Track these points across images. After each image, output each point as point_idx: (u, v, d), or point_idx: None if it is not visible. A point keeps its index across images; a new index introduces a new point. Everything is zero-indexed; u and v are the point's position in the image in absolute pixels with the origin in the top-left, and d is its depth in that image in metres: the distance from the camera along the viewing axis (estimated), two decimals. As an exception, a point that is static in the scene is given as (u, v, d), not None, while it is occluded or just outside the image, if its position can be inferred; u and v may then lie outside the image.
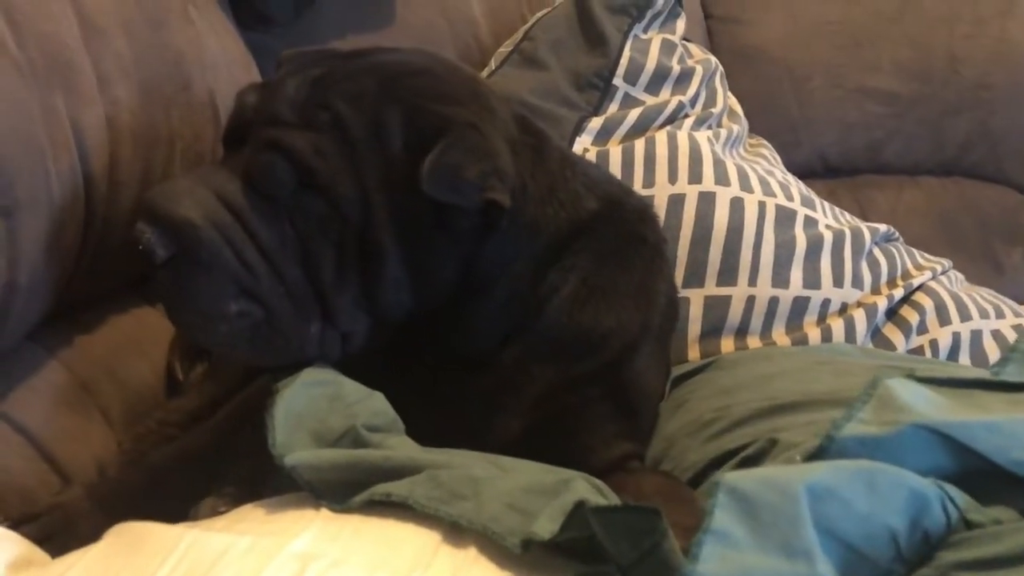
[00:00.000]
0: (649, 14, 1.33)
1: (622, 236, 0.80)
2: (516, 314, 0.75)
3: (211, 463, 0.75)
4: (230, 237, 0.68)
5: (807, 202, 1.18)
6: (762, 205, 1.12)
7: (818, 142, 1.70)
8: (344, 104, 0.70)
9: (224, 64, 1.07)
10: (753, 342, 1.07)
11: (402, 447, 0.63)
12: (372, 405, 0.66)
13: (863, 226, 1.19)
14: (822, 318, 1.09)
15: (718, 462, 0.72)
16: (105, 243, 0.87)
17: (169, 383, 0.94)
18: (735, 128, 1.34)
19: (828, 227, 1.16)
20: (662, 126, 1.24)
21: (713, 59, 1.39)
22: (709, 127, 1.29)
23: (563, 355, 0.76)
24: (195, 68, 1.00)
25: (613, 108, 1.25)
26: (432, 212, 0.70)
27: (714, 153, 1.18)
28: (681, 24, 1.40)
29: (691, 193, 1.12)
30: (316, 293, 0.70)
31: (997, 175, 1.70)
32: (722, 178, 1.14)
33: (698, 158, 1.16)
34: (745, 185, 1.15)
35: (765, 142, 1.46)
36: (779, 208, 1.13)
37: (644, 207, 0.85)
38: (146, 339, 0.97)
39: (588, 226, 0.78)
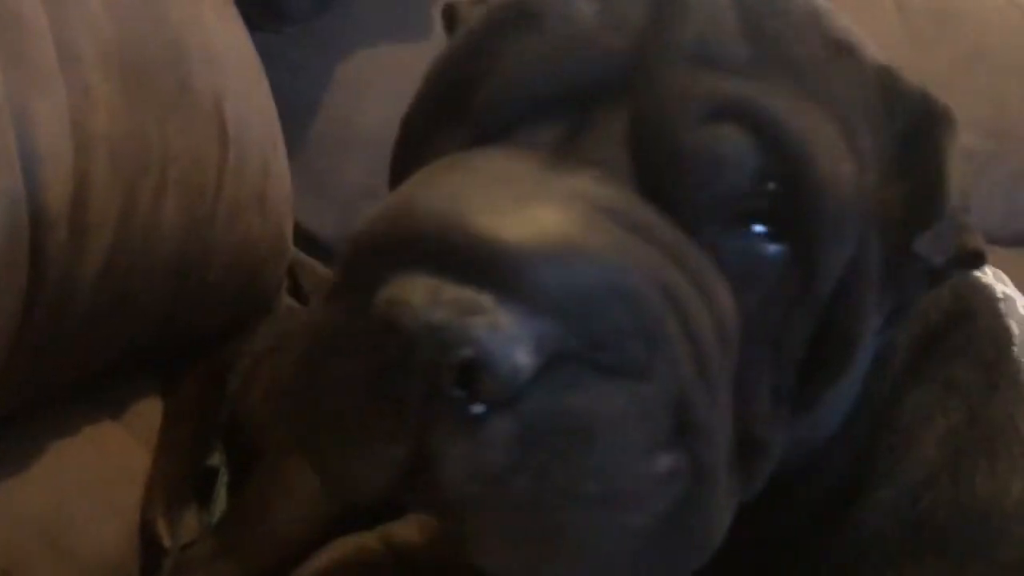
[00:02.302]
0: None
1: (989, 330, 0.49)
2: (850, 462, 0.42)
3: None
4: (680, 307, 0.31)
5: (997, 276, 0.91)
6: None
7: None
8: (802, 41, 0.36)
9: (234, 62, 0.73)
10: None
11: None
12: None
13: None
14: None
15: None
16: (61, 324, 0.52)
17: (147, 555, 0.58)
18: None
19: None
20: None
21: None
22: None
23: (941, 547, 0.42)
24: (197, 59, 0.66)
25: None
26: (886, 263, 0.37)
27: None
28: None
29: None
30: (739, 426, 0.34)
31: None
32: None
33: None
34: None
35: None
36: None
37: (976, 279, 0.54)
38: (107, 477, 0.60)
39: (949, 313, 0.46)
